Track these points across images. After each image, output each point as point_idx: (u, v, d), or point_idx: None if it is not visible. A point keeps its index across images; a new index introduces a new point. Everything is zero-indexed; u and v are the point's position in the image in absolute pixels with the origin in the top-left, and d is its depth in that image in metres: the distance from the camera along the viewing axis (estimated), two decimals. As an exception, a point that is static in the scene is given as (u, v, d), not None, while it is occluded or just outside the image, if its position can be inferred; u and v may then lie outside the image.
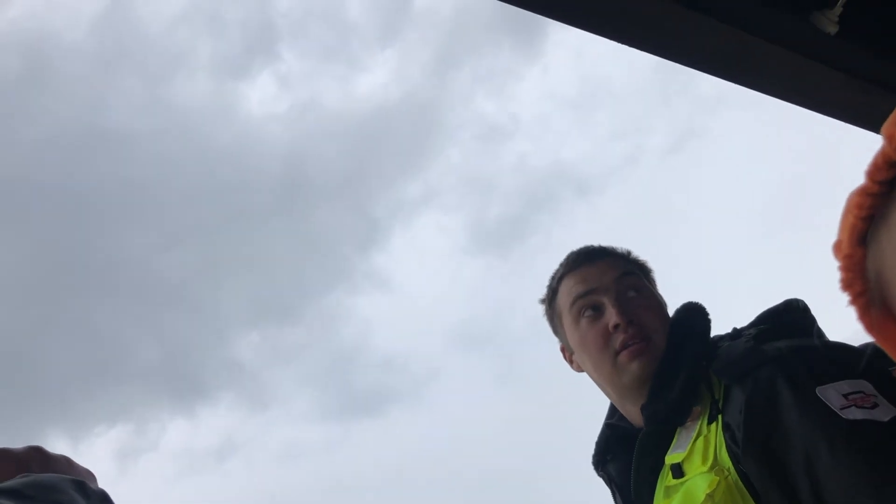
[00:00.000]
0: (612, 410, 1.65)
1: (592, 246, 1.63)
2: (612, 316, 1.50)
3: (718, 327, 1.55)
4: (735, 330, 1.50)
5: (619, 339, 1.48)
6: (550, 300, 1.65)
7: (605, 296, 1.53)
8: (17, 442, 1.01)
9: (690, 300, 1.59)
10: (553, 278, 1.65)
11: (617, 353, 1.48)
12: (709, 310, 1.56)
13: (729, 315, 1.61)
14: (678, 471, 1.38)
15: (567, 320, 1.58)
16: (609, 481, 1.61)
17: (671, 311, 1.59)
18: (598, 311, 1.53)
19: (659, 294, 1.61)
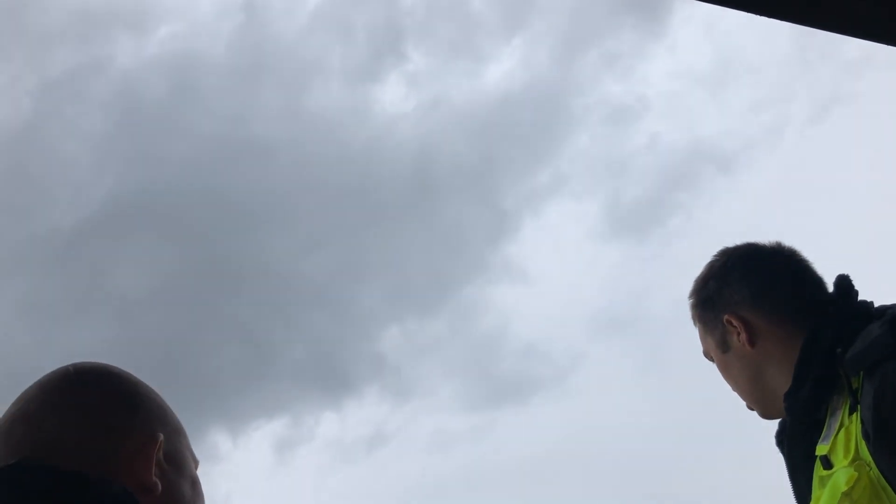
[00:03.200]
0: None
1: None
2: None
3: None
4: (882, 307, 1.42)
5: None
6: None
7: None
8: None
9: (841, 274, 1.51)
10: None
11: None
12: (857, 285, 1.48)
13: (881, 296, 1.52)
14: (827, 462, 1.34)
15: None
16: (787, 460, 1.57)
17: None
18: None
19: (718, 334, 1.58)
